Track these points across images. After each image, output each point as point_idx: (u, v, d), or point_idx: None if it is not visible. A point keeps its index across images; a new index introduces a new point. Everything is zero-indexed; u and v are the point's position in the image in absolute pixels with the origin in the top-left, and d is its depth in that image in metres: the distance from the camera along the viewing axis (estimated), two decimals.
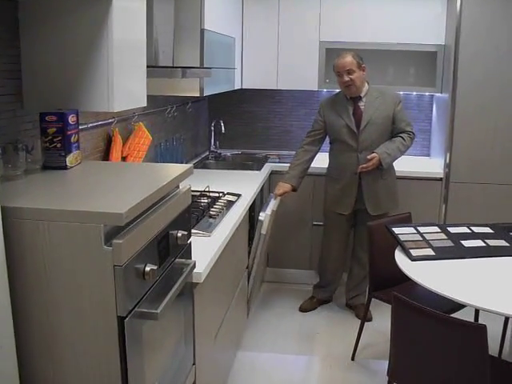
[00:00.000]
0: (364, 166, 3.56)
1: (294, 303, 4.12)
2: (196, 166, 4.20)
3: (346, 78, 3.55)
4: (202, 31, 3.21)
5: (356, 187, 3.70)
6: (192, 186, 3.22)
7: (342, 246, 3.94)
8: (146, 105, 2.36)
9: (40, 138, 1.96)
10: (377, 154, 3.54)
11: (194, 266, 2.05)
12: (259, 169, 4.10)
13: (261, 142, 4.90)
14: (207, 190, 3.24)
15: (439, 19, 4.13)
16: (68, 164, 1.99)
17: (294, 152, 4.67)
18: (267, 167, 4.16)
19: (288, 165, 3.91)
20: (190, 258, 2.11)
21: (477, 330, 2.04)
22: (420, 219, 3.66)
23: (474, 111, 3.97)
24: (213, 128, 4.62)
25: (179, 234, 1.92)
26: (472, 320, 2.95)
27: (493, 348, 3.11)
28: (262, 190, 3.82)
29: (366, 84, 3.69)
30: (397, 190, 3.85)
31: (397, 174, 4.10)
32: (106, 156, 2.83)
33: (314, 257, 4.30)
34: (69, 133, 1.99)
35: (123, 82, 2.11)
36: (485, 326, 2.02)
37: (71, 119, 2.00)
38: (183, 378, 2.10)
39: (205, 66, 3.25)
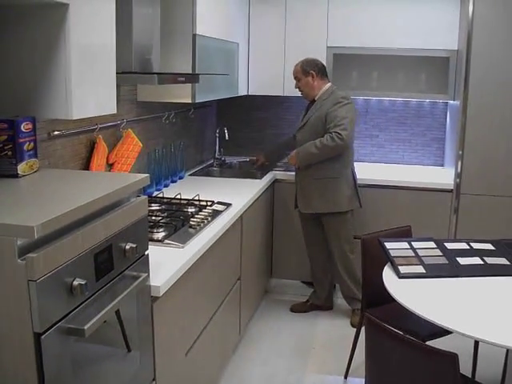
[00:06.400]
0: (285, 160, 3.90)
1: (294, 316, 4.00)
2: (199, 174, 4.14)
3: (295, 86, 3.82)
4: (194, 36, 3.15)
5: (295, 184, 3.90)
6: (185, 194, 3.23)
7: (314, 248, 4.01)
8: (115, 112, 2.31)
9: None
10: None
11: (145, 280, 1.97)
12: (262, 177, 4.00)
13: None
14: (196, 198, 3.17)
15: (452, 24, 3.95)
16: (20, 172, 1.95)
17: None
18: (270, 176, 4.06)
19: (294, 173, 3.99)
20: (147, 271, 2.03)
21: (448, 359, 1.90)
22: (430, 232, 3.50)
23: (486, 119, 3.78)
24: (217, 135, 4.54)
25: (127, 247, 1.85)
26: (466, 341, 2.78)
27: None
28: (259, 199, 3.71)
29: (326, 87, 3.74)
30: (337, 193, 3.74)
31: (405, 185, 3.97)
32: (87, 163, 2.80)
33: None
34: (21, 140, 1.95)
35: (85, 89, 2.07)
36: (456, 354, 1.88)
37: (24, 127, 1.96)
38: None
39: (197, 72, 3.19)
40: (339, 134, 3.50)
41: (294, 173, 4.13)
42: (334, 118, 3.55)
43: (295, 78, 3.76)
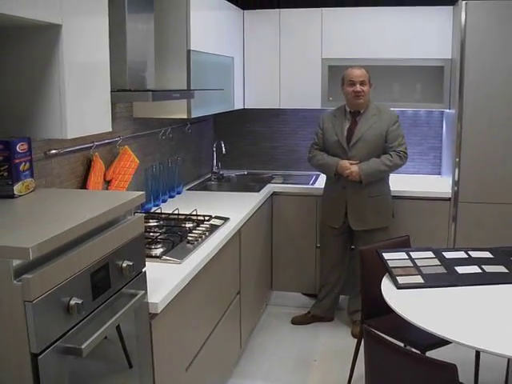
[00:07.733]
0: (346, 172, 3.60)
1: (295, 328, 4.00)
2: (197, 188, 4.15)
3: (359, 88, 3.59)
4: (189, 52, 3.18)
5: (344, 202, 3.73)
6: (183, 209, 3.23)
7: (337, 261, 3.94)
8: (110, 130, 2.32)
9: None
10: (357, 165, 3.60)
11: (142, 297, 1.97)
12: (260, 190, 4.00)
13: (267, 161, 4.82)
14: (194, 213, 3.18)
15: (445, 33, 3.98)
16: (16, 193, 1.96)
17: (300, 171, 4.59)
18: (268, 188, 4.06)
19: (293, 185, 4.15)
20: (144, 289, 2.03)
21: (447, 370, 1.89)
22: (428, 241, 3.50)
23: (481, 127, 3.78)
24: (214, 149, 4.56)
25: (124, 265, 1.85)
26: (468, 350, 2.77)
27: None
28: (257, 212, 3.71)
29: (369, 102, 3.71)
30: (389, 208, 3.79)
31: (403, 194, 3.98)
32: (85, 181, 2.81)
33: (318, 280, 4.17)
34: (17, 161, 1.96)
35: (79, 108, 2.08)
36: (455, 365, 1.87)
37: (20, 147, 1.97)
38: None
39: (192, 87, 3.21)
40: (406, 153, 3.65)
41: (292, 185, 4.13)
42: (397, 137, 3.64)
43: (362, 81, 3.60)
